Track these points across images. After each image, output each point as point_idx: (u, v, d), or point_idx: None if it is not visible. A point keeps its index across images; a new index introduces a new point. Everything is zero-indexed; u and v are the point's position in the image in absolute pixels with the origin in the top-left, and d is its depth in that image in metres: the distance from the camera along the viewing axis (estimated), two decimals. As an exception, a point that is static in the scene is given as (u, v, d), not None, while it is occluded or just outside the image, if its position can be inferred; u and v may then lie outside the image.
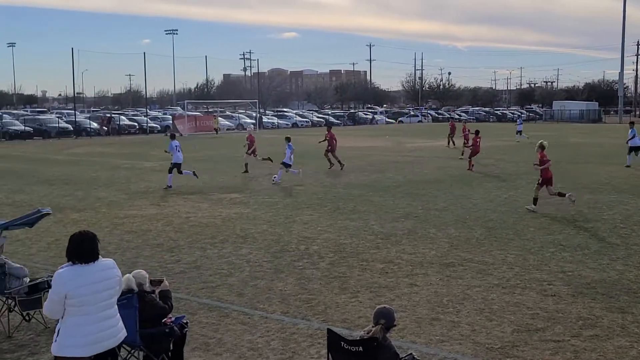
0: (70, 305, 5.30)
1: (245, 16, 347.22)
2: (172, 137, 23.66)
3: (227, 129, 64.54)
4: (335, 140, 28.40)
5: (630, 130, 28.66)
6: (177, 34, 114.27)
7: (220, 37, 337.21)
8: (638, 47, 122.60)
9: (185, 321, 7.10)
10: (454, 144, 39.45)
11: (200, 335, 8.07)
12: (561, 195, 16.86)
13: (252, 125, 30.67)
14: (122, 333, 5.68)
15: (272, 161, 26.60)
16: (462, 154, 31.38)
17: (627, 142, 28.85)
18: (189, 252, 12.40)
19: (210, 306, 9.21)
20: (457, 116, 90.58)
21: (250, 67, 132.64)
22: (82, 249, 5.40)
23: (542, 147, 17.22)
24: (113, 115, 63.65)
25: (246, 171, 26.22)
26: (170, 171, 22.02)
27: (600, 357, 7.29)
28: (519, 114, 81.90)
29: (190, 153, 37.02)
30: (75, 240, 5.45)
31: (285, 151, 23.28)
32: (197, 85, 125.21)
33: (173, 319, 6.95)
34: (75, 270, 5.35)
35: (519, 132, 46.34)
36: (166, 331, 6.68)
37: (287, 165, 23.05)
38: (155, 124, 65.69)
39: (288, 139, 23.84)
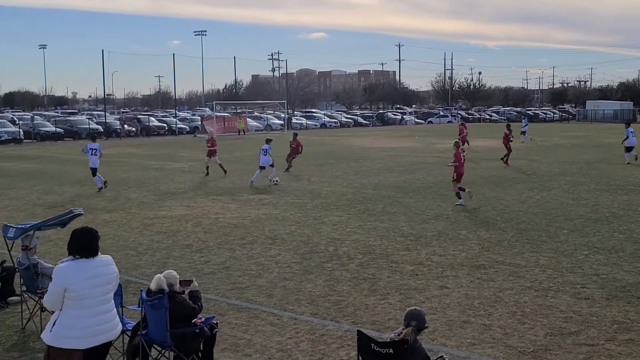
0: (69, 299, 5.49)
1: (273, 16, 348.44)
2: (93, 138, 23.51)
3: (255, 130, 64.84)
4: (301, 147, 28.49)
5: (626, 131, 30.01)
6: (205, 35, 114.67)
7: (249, 38, 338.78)
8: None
9: (215, 322, 7.16)
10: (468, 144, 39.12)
11: (230, 335, 8.13)
12: (462, 189, 17.94)
13: (212, 128, 30.59)
14: (118, 329, 5.88)
15: (225, 172, 26.39)
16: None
17: (622, 143, 30.08)
18: (218, 253, 12.50)
19: (240, 307, 9.27)
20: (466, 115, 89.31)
21: (279, 67, 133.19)
22: (83, 244, 5.62)
23: (456, 145, 19.04)
24: (140, 116, 64.24)
25: (207, 174, 26.25)
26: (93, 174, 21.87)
27: (636, 361, 7.19)
28: (524, 115, 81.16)
29: (220, 154, 37.27)
30: (77, 235, 5.69)
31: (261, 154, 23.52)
32: (226, 86, 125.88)
33: (203, 319, 7.01)
34: (75, 264, 5.57)
35: (523, 132, 45.88)
36: (196, 331, 6.75)
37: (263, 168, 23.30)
38: (184, 124, 66.29)
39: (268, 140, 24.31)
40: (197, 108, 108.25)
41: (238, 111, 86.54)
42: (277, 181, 22.86)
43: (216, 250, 12.73)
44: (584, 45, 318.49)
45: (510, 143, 30.03)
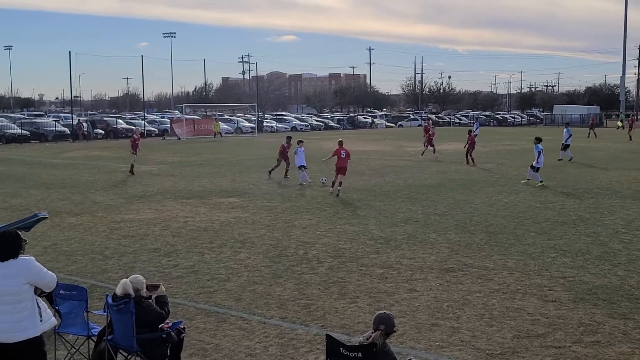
0: None
1: (244, 19, 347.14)
2: None
3: (226, 133, 64.55)
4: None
5: (565, 130, 34.48)
6: (175, 36, 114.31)
7: (219, 41, 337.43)
8: (639, 51, 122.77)
9: (182, 326, 7.08)
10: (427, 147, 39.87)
11: (198, 340, 8.06)
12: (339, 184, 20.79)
13: (138, 127, 30.57)
14: (21, 333, 5.73)
15: (132, 174, 26.46)
16: (422, 154, 36.34)
17: (564, 142, 33.64)
18: (186, 257, 12.39)
19: (208, 311, 9.20)
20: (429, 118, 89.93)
21: (249, 70, 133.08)
22: None
23: (340, 143, 22.00)
24: (81, 120, 62.19)
25: (132, 173, 26.45)
26: None
27: (602, 363, 7.28)
28: (476, 118, 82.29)
29: (190, 157, 37.03)
30: None
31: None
32: (196, 88, 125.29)
33: (170, 324, 6.94)
34: None
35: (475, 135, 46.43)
36: (163, 336, 6.67)
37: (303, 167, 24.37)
38: (153, 127, 65.78)
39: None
40: (166, 110, 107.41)
41: (208, 114, 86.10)
42: (308, 181, 24.00)
43: (185, 254, 12.62)
44: (552, 50, 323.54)
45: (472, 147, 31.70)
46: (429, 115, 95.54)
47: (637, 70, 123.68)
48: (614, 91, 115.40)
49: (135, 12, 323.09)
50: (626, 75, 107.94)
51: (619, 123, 71.14)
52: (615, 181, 24.03)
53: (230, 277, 10.98)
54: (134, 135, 29.60)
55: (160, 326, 6.75)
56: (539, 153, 23.10)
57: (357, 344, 5.58)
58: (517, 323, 8.60)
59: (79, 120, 61.58)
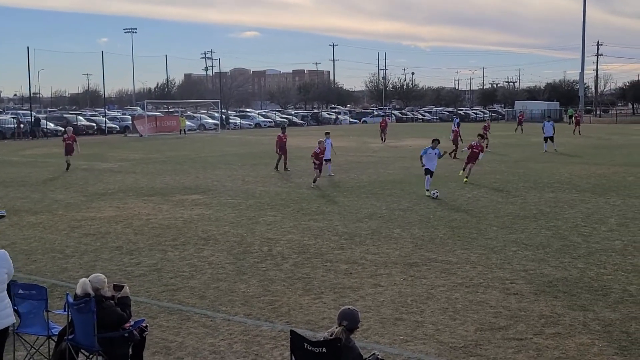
0: None
1: (206, 15, 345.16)
2: None
3: (189, 130, 64.04)
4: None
5: (548, 124, 36.58)
6: (136, 32, 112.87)
7: (181, 37, 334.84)
8: (598, 48, 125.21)
9: (144, 325, 7.00)
10: (385, 141, 43.72)
11: (161, 339, 7.98)
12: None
13: (70, 128, 30.21)
14: (6, 320, 6.19)
15: (68, 166, 26.83)
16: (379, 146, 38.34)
17: (547, 135, 36.12)
18: (149, 255, 12.26)
19: (171, 309, 9.12)
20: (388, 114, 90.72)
21: (212, 66, 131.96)
22: None
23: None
24: (21, 119, 59.83)
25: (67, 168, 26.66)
26: None
27: (562, 354, 7.40)
28: (455, 114, 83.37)
29: (152, 154, 36.69)
30: None
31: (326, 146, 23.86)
32: (158, 85, 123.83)
33: (132, 322, 6.85)
34: None
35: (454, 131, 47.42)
36: (125, 335, 6.59)
37: (328, 161, 24.41)
38: (114, 124, 64.93)
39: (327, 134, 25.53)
40: (128, 107, 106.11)
41: (171, 110, 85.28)
42: (331, 174, 24.50)
43: (147, 252, 12.49)
44: (513, 47, 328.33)
45: (460, 141, 33.85)
46: (385, 112, 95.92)
47: (595, 67, 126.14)
48: (573, 87, 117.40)
49: (95, 8, 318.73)
50: (585, 71, 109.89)
51: (572, 120, 72.60)
52: (575, 175, 24.47)
53: (193, 274, 10.90)
54: (65, 136, 28.67)
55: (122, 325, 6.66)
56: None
57: (321, 340, 5.58)
58: (480, 316, 8.70)
59: (17, 118, 59.30)
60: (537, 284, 10.12)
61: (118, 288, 6.83)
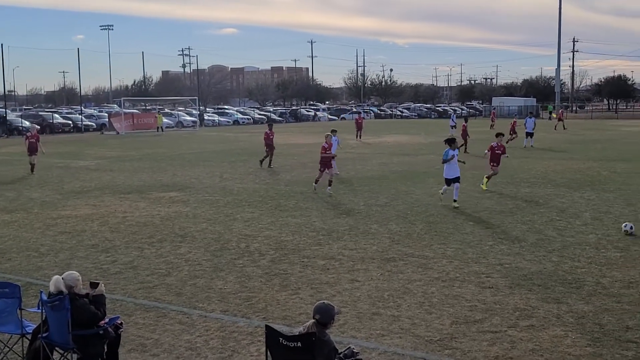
0: None
1: (183, 11, 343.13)
2: None
3: (167, 127, 63.70)
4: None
5: (530, 120, 37.72)
6: (112, 29, 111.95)
7: (158, 33, 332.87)
8: (573, 44, 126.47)
9: (119, 322, 6.97)
10: (360, 138, 43.91)
11: (137, 336, 7.95)
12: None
13: (35, 125, 30.07)
14: None
15: (32, 167, 26.00)
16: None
17: (528, 131, 37.22)
18: (125, 253, 12.20)
19: (148, 307, 9.09)
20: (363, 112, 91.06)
21: (190, 63, 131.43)
22: None
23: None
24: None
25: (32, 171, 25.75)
26: None
27: (536, 346, 7.49)
28: (453, 110, 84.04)
29: (129, 152, 36.48)
30: None
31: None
32: (135, 82, 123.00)
33: (107, 320, 6.81)
34: None
35: (453, 126, 47.90)
36: (100, 333, 6.56)
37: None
38: (90, 122, 64.44)
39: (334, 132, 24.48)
40: (105, 105, 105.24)
41: (148, 107, 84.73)
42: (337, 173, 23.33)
43: (123, 250, 12.42)
44: (490, 43, 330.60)
45: (468, 136, 34.03)
46: (361, 109, 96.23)
47: (571, 63, 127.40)
48: (549, 83, 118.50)
49: (70, 5, 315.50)
50: (561, 68, 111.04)
51: (554, 115, 73.59)
52: (550, 170, 24.72)
53: (170, 271, 10.87)
54: (27, 133, 28.05)
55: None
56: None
57: (296, 334, 5.61)
58: (456, 310, 8.77)
59: None
60: (512, 278, 10.23)
61: (94, 286, 6.80)
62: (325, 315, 5.56)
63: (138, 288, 9.96)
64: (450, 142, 17.16)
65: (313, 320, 5.55)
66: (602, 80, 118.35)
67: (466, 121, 37.19)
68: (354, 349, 5.87)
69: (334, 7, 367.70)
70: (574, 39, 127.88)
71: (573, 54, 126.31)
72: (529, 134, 37.22)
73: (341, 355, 5.67)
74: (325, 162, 19.52)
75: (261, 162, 27.05)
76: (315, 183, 19.73)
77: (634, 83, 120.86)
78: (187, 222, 15.08)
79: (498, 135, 21.14)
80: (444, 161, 16.86)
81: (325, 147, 19.76)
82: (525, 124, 38.03)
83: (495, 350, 7.39)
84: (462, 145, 32.06)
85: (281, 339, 5.53)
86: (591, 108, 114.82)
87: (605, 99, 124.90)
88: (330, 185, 19.37)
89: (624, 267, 10.77)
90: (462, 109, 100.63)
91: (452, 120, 50.26)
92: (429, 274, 10.51)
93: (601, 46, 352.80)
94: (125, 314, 8.63)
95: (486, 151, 20.72)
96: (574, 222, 14.59)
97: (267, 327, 5.76)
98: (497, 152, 20.11)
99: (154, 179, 23.43)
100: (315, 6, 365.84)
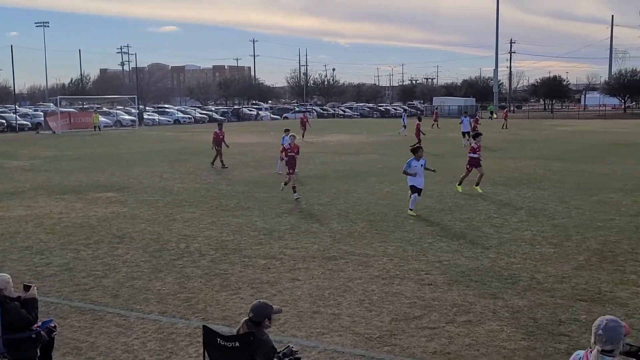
0: None
1: (121, 8, 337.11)
2: None
3: (105, 126, 62.45)
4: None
5: (465, 119, 38.68)
6: (48, 26, 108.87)
7: (96, 31, 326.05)
8: (511, 46, 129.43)
9: (53, 325, 6.79)
10: (303, 138, 43.87)
11: (72, 339, 7.78)
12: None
13: None
14: None
15: None
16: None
17: (464, 131, 37.95)
18: (60, 254, 11.91)
19: (83, 309, 8.89)
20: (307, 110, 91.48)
21: (129, 61, 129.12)
22: None
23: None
24: None
25: None
26: None
27: (473, 341, 7.65)
28: (404, 110, 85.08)
29: (66, 151, 35.63)
30: None
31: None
32: (72, 80, 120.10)
33: (40, 323, 6.63)
34: None
35: (404, 126, 48.53)
36: (32, 337, 6.38)
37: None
38: (25, 121, 62.61)
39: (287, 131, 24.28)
40: (40, 103, 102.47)
41: (85, 106, 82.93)
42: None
43: (59, 252, 12.12)
44: (431, 44, 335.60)
45: (421, 134, 34.74)
46: (304, 108, 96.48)
47: (509, 64, 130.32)
48: (488, 83, 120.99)
49: (3, 0, 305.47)
50: (499, 68, 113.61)
51: (495, 115, 75.29)
52: (488, 169, 25.16)
53: (107, 273, 10.66)
54: None
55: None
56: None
57: (234, 334, 5.57)
58: (395, 307, 8.88)
59: None
60: (450, 274, 10.41)
61: (27, 289, 6.61)
62: (258, 314, 5.51)
63: (74, 290, 9.74)
64: (415, 151, 15.87)
65: (246, 319, 5.52)
66: (539, 80, 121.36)
67: (420, 120, 37.90)
68: (292, 347, 5.86)
69: (277, 6, 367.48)
70: (511, 40, 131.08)
71: (510, 55, 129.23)
72: (465, 134, 37.90)
73: (280, 354, 5.65)
74: (292, 163, 18.57)
75: (212, 162, 26.77)
76: (285, 185, 18.62)
77: (569, 84, 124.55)
78: (125, 223, 14.82)
79: (476, 136, 20.29)
80: (405, 172, 15.69)
81: (287, 148, 18.90)
82: (460, 124, 38.95)
83: (433, 346, 7.51)
84: (417, 143, 32.77)
85: (219, 339, 5.48)
86: (528, 108, 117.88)
87: (541, 99, 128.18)
88: (294, 190, 18.11)
89: (558, 262, 11.09)
90: (404, 109, 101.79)
91: (403, 120, 50.78)
92: (369, 272, 10.60)
93: (538, 47, 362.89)
94: (60, 317, 8.43)
95: (470, 153, 19.53)
96: (510, 219, 14.94)
97: (204, 327, 5.71)
98: (477, 152, 19.37)
99: (91, 179, 22.95)
100: (258, 5, 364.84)
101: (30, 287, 6.63)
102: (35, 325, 6.52)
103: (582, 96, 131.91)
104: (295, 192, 18.09)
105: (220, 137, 26.88)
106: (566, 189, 19.66)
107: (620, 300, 9.05)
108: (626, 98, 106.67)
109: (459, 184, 19.28)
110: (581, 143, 39.70)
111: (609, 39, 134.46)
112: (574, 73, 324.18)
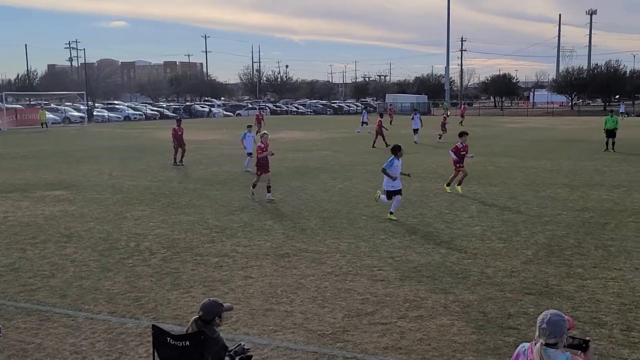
0: None
1: (69, 3, 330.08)
2: None
3: (52, 123, 61.14)
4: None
5: (415, 116, 39.86)
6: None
7: (43, 26, 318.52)
8: (462, 44, 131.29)
9: (-3, 327, 6.62)
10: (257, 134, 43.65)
11: (18, 341, 7.58)
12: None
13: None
14: None
15: None
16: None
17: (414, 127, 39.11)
18: (6, 254, 11.61)
19: (29, 310, 8.68)
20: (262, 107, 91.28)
21: (77, 57, 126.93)
22: None
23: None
24: None
25: None
26: None
27: (424, 336, 7.73)
28: (364, 107, 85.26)
29: (12, 149, 34.83)
30: None
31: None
32: (18, 76, 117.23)
33: (-17, 325, 6.46)
34: None
35: (365, 123, 48.80)
36: (-25, 339, 6.21)
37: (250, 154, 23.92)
38: (-31, 117, 60.82)
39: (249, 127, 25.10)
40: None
41: (33, 103, 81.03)
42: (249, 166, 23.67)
43: (4, 251, 11.81)
44: (384, 41, 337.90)
45: (385, 128, 36.65)
46: (268, 106, 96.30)
47: (460, 62, 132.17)
48: (440, 81, 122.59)
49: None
50: (450, 66, 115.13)
51: (449, 113, 76.27)
52: (440, 166, 25.55)
53: (54, 273, 10.44)
54: None
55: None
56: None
57: (184, 333, 5.51)
58: (348, 303, 8.91)
59: None
60: (402, 270, 10.49)
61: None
62: (207, 312, 5.46)
63: (19, 291, 9.50)
64: (396, 150, 15.05)
65: (196, 317, 5.47)
66: (489, 78, 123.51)
67: (381, 116, 38.81)
68: (244, 345, 5.82)
69: (229, 1, 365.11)
70: (462, 38, 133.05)
71: (461, 53, 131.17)
72: (416, 130, 38.95)
73: (231, 353, 5.61)
74: (263, 164, 17.50)
75: (175, 160, 26.35)
76: (253, 187, 17.79)
77: (518, 81, 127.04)
78: (74, 221, 14.54)
79: (462, 134, 19.11)
80: (384, 170, 14.79)
81: (262, 147, 17.62)
82: (412, 120, 39.76)
83: (386, 341, 7.56)
84: (377, 137, 35.32)
85: (169, 338, 5.41)
86: (479, 105, 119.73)
87: (491, 97, 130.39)
88: (269, 190, 17.38)
89: (507, 257, 11.29)
90: (364, 106, 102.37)
91: (364, 117, 50.93)
92: (322, 269, 10.62)
93: (488, 46, 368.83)
94: (5, 318, 8.23)
95: (451, 152, 18.79)
96: (461, 215, 15.15)
97: (153, 327, 5.63)
98: (462, 153, 18.61)
99: (38, 177, 22.44)
100: (209, 0, 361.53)
101: None
102: (-22, 328, 6.34)
103: (531, 94, 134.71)
104: (268, 191, 17.32)
105: (179, 133, 26.56)
106: (515, 184, 20.03)
107: (567, 294, 9.26)
108: (573, 95, 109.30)
109: (448, 185, 18.75)
110: (530, 140, 40.53)
111: (557, 38, 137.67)
112: (523, 71, 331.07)
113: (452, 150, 18.78)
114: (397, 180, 14.69)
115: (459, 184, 18.64)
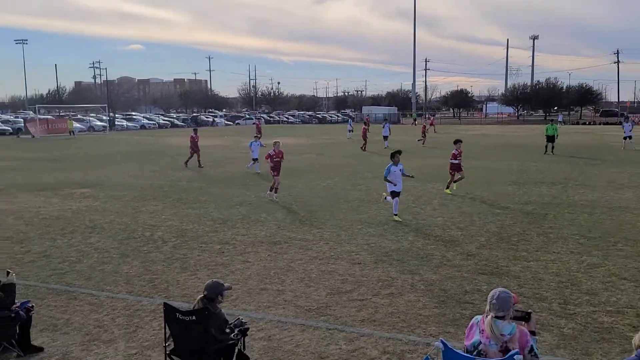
0: None
1: (91, 29, 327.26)
2: None
3: (79, 131, 60.63)
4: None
5: (385, 125, 40.19)
6: (27, 43, 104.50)
7: (71, 48, 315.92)
8: (425, 64, 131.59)
9: (30, 305, 6.54)
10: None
11: (49, 317, 7.51)
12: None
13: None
14: None
15: None
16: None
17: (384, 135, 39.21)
18: (39, 243, 11.49)
19: (59, 290, 8.60)
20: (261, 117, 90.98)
21: (100, 75, 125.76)
22: None
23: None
24: None
25: None
26: None
27: (395, 310, 7.74)
28: (349, 116, 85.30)
29: (44, 153, 34.44)
30: None
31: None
32: (49, 91, 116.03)
33: (19, 304, 6.39)
34: None
35: (351, 130, 48.86)
36: (12, 316, 6.13)
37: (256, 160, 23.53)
38: (6, 126, 60.32)
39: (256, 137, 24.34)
40: (21, 111, 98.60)
41: (62, 114, 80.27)
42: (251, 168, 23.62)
43: (37, 241, 11.69)
44: (361, 62, 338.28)
45: (367, 134, 36.97)
46: (263, 117, 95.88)
47: (424, 79, 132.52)
48: (407, 95, 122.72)
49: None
50: (416, 82, 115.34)
51: (416, 122, 76.46)
52: (407, 166, 25.50)
53: (81, 259, 10.34)
54: None
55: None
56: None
57: (191, 309, 5.48)
58: (330, 283, 8.90)
59: None
60: (376, 255, 10.50)
61: (7, 275, 6.35)
62: (211, 291, 5.45)
63: (50, 274, 9.41)
64: (393, 155, 14.08)
65: (201, 295, 5.45)
66: (449, 93, 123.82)
67: (366, 124, 39.23)
68: (242, 319, 5.81)
69: (228, 28, 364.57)
70: (426, 59, 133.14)
71: (425, 72, 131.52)
72: (385, 137, 39.11)
73: (231, 325, 5.60)
74: (276, 168, 16.80)
75: (186, 162, 26.14)
76: (270, 190, 16.83)
77: (473, 95, 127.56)
78: (97, 215, 14.41)
79: (457, 142, 18.21)
80: (385, 179, 13.94)
81: (272, 154, 16.96)
82: (383, 128, 40.13)
83: (362, 315, 7.56)
84: (365, 144, 35.82)
85: (178, 314, 5.39)
86: (440, 116, 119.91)
87: (451, 108, 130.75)
88: (276, 191, 16.72)
89: (464, 243, 11.33)
90: (351, 116, 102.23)
91: (350, 125, 50.96)
92: (308, 254, 10.60)
93: (448, 65, 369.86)
94: (38, 297, 8.14)
95: (452, 160, 17.90)
96: (425, 207, 15.18)
97: (165, 304, 5.60)
98: (458, 158, 17.81)
99: (66, 177, 22.23)
100: (211, 27, 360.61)
101: (9, 273, 6.38)
102: (15, 306, 6.27)
103: (484, 106, 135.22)
104: (275, 192, 16.68)
105: (196, 140, 26.47)
106: (471, 182, 20.09)
107: (514, 274, 9.31)
108: (519, 107, 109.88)
109: (447, 188, 17.98)
110: (483, 144, 40.67)
111: (505, 59, 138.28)
112: (477, 86, 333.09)
113: (451, 158, 17.99)
114: (398, 184, 13.95)
115: (454, 182, 18.06)
